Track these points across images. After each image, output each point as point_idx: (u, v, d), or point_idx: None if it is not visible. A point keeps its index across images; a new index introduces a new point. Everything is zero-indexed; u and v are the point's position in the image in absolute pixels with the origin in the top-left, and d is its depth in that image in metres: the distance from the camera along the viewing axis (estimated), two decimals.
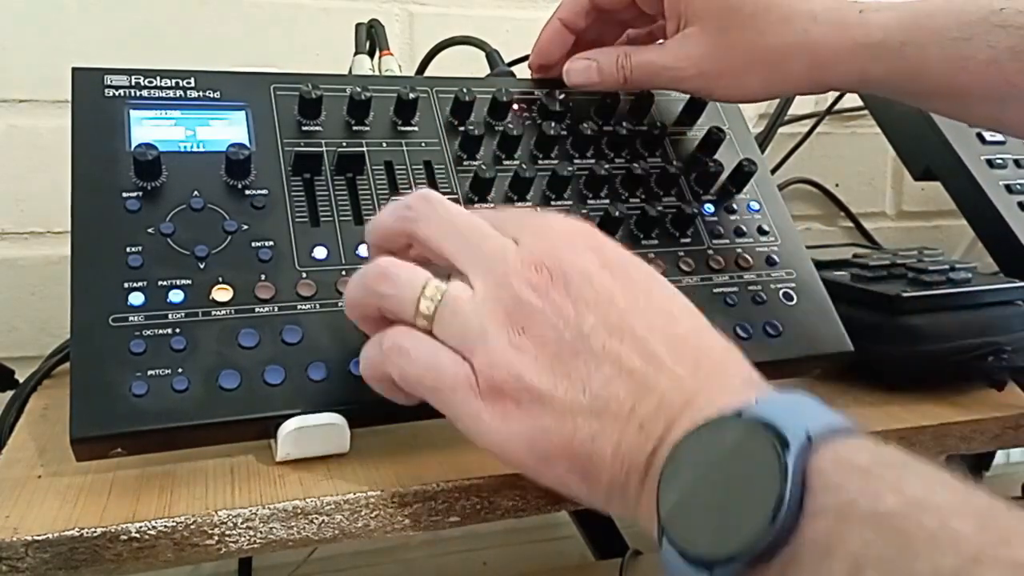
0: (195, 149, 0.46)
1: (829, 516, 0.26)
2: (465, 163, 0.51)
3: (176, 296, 0.41)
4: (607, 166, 0.52)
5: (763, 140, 0.88)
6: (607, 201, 0.52)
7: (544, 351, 0.33)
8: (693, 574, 0.28)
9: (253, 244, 0.44)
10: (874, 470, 0.26)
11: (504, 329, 0.34)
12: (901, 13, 0.47)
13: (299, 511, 0.38)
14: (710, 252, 0.52)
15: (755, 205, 0.55)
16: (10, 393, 0.56)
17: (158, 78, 0.48)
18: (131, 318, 0.40)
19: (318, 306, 0.43)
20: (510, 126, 0.51)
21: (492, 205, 0.50)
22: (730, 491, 0.28)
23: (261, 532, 0.37)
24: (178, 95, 0.48)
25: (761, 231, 0.54)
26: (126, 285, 0.41)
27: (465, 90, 0.52)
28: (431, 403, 0.36)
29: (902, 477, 0.26)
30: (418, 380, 0.35)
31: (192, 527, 0.36)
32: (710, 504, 0.28)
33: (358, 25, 0.63)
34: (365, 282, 0.37)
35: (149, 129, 0.46)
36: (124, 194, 0.44)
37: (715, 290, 0.50)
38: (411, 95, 0.50)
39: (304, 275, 0.44)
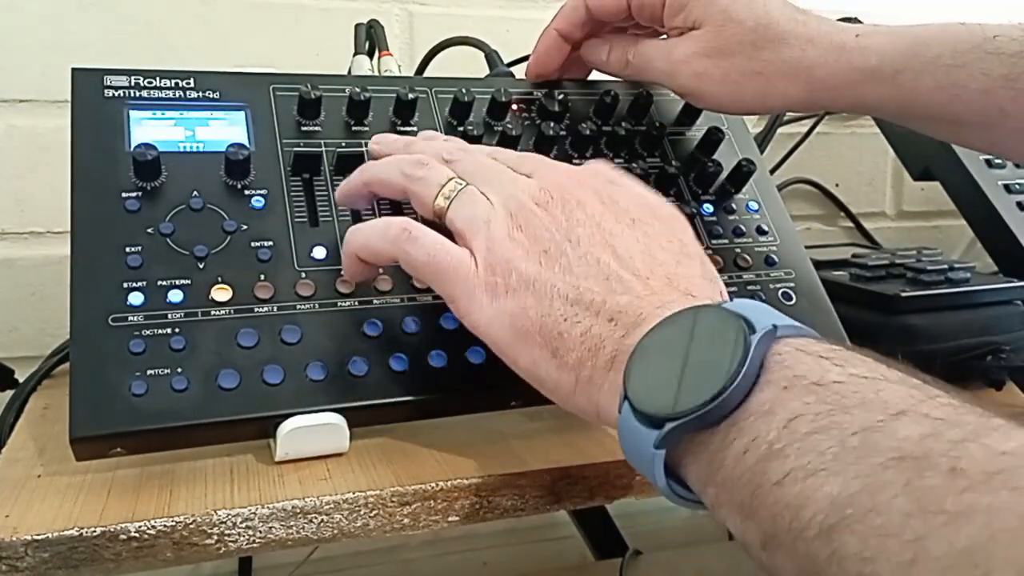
0: (195, 149, 0.46)
1: (776, 387, 0.28)
2: None
3: (175, 296, 0.42)
4: None
5: (762, 140, 0.88)
6: None
7: (535, 246, 0.38)
8: (644, 434, 0.30)
9: (252, 244, 0.44)
10: (825, 355, 0.29)
11: (505, 223, 0.39)
12: (896, 39, 0.47)
13: (298, 511, 0.38)
14: (709, 252, 0.52)
15: (754, 205, 0.55)
16: (10, 393, 0.56)
17: (158, 78, 0.48)
18: (130, 318, 0.40)
19: (317, 306, 0.43)
20: (509, 126, 0.51)
21: None
22: (693, 362, 0.30)
23: (260, 532, 0.37)
24: (178, 95, 0.48)
25: (760, 231, 0.54)
26: (126, 285, 0.41)
27: (464, 90, 0.52)
28: (432, 284, 0.40)
29: (849, 360, 0.28)
30: (425, 261, 0.39)
31: (191, 526, 0.36)
32: (672, 372, 0.30)
33: (357, 25, 0.63)
34: (400, 165, 0.42)
35: (149, 129, 0.46)
36: (124, 194, 0.44)
37: None
38: (410, 95, 0.50)
39: (303, 275, 0.44)
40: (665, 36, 0.54)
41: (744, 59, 0.49)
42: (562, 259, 0.37)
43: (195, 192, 0.45)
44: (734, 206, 0.55)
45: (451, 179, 0.41)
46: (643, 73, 0.54)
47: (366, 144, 0.49)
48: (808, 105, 0.51)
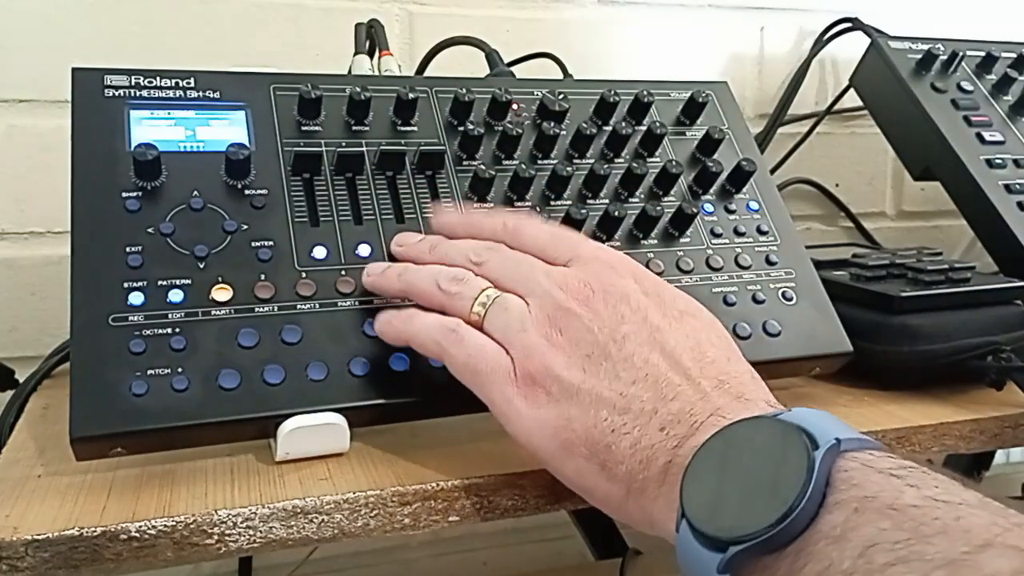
0: (195, 149, 0.46)
1: (847, 508, 0.27)
2: (464, 163, 0.51)
3: (176, 296, 0.42)
4: (606, 166, 0.52)
5: (763, 140, 0.88)
6: (606, 201, 0.52)
7: (577, 350, 0.36)
8: (707, 557, 0.29)
9: (253, 244, 0.44)
10: (896, 472, 0.27)
11: (544, 327, 0.37)
12: None
13: (299, 510, 0.38)
14: (709, 252, 0.52)
15: (754, 205, 0.55)
16: (10, 393, 0.56)
17: (158, 78, 0.48)
18: (131, 318, 0.40)
19: (318, 306, 0.43)
20: (509, 126, 0.51)
21: (492, 205, 0.50)
22: (756, 481, 0.29)
23: (261, 531, 0.37)
24: (178, 95, 0.48)
25: (760, 231, 0.54)
26: (126, 285, 0.41)
27: (464, 90, 0.52)
28: (471, 387, 0.39)
29: (922, 479, 0.27)
30: (464, 362, 0.38)
31: (192, 526, 0.36)
32: (734, 491, 0.29)
33: (358, 25, 0.63)
34: (438, 280, 0.41)
35: (149, 129, 0.46)
36: (124, 194, 0.44)
37: (714, 289, 0.50)
38: (410, 95, 0.50)
39: (304, 275, 0.44)
40: None
41: None
42: (606, 363, 0.35)
43: (195, 192, 0.45)
44: (734, 206, 0.55)
45: (484, 290, 0.40)
46: None
47: (366, 144, 0.49)
48: None
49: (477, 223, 0.44)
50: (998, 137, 0.68)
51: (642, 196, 0.53)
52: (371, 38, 0.62)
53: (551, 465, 0.36)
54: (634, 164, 0.52)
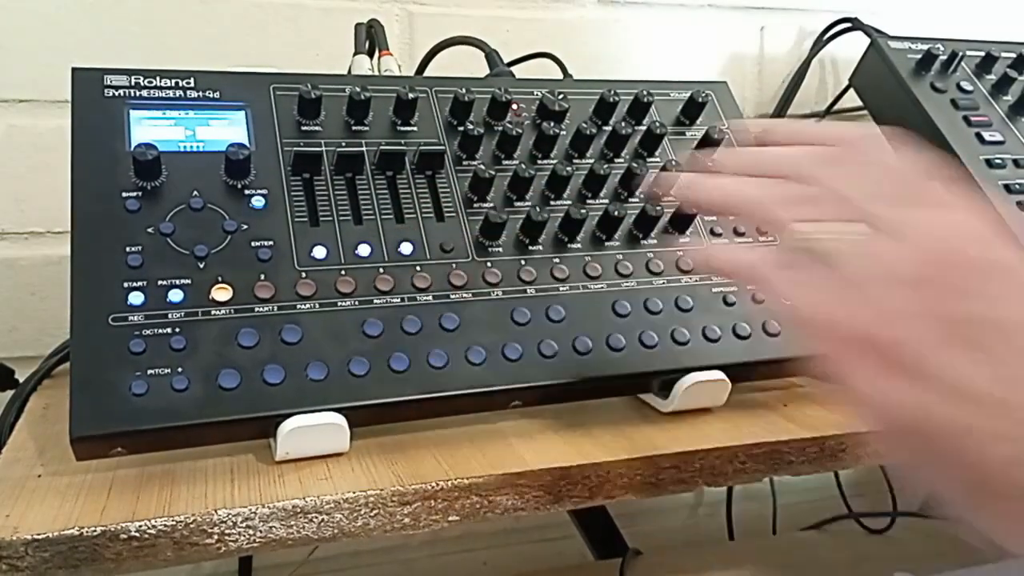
0: (195, 149, 0.46)
1: None
2: (464, 163, 0.51)
3: (176, 296, 0.42)
4: (606, 166, 0.52)
5: None
6: (606, 201, 0.52)
7: (948, 329, 0.29)
8: None
9: (253, 244, 0.44)
10: None
11: (905, 288, 0.30)
12: None
13: (298, 510, 0.38)
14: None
15: None
16: (10, 393, 0.56)
17: (158, 78, 0.48)
18: (131, 318, 0.40)
19: (318, 305, 0.43)
20: (509, 126, 0.51)
21: (492, 205, 0.50)
22: None
23: (261, 531, 0.37)
24: (178, 95, 0.48)
25: (760, 230, 0.54)
26: (126, 285, 0.41)
27: (464, 90, 0.52)
28: (802, 334, 0.32)
29: None
30: (811, 317, 0.32)
31: (192, 526, 0.36)
32: None
33: (358, 25, 0.63)
34: (774, 197, 0.34)
35: (149, 129, 0.46)
36: (124, 194, 0.44)
37: (714, 289, 0.50)
38: (410, 95, 0.50)
39: (304, 275, 0.44)
40: None
41: None
42: (983, 352, 0.28)
43: (195, 192, 0.45)
44: None
45: (832, 221, 0.33)
46: None
47: (366, 144, 0.49)
48: None
49: (802, 132, 0.36)
50: (998, 137, 0.68)
51: (642, 196, 0.53)
52: (371, 38, 0.62)
53: (881, 443, 0.31)
54: (634, 164, 0.52)
